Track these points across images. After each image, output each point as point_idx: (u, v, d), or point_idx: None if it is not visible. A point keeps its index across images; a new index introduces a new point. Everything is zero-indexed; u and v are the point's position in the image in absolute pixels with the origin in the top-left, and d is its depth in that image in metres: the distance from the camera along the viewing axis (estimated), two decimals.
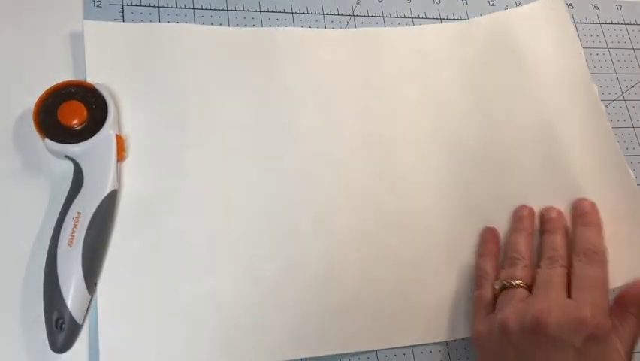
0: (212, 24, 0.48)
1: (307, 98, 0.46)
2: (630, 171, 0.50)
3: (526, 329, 0.35)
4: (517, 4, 0.55)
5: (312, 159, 0.44)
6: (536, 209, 0.46)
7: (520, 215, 0.45)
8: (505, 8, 0.55)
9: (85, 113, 0.40)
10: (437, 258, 0.44)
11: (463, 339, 0.43)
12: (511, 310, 0.37)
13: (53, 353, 0.36)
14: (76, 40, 0.45)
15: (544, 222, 0.45)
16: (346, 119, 0.46)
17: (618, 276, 0.42)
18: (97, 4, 0.46)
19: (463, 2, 0.54)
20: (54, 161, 0.41)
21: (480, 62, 0.50)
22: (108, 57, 0.43)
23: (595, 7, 0.57)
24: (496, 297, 0.40)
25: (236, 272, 0.40)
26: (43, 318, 0.37)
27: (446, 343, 0.43)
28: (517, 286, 0.38)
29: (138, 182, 0.41)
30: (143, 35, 0.45)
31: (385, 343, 0.41)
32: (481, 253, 0.43)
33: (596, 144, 0.50)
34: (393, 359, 0.42)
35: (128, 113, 0.42)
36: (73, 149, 0.40)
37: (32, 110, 0.40)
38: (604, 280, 0.38)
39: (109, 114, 0.41)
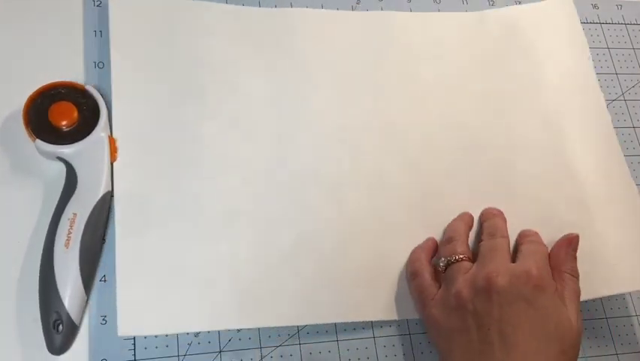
0: None
1: (323, 76, 0.47)
2: (629, 172, 0.49)
3: (480, 292, 0.37)
4: (517, 4, 0.55)
5: (326, 134, 0.45)
6: (535, 201, 0.47)
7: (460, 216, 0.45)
8: None
9: (75, 114, 0.40)
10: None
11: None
12: (462, 280, 0.39)
13: (51, 355, 0.36)
14: (76, 40, 0.45)
15: (483, 215, 0.45)
16: (360, 99, 0.47)
17: (621, 282, 0.44)
18: (97, 4, 0.46)
19: (463, 2, 0.54)
20: (44, 162, 0.41)
21: (491, 54, 0.51)
22: (131, 29, 0.44)
23: (595, 7, 0.57)
24: (436, 281, 0.41)
25: (251, 240, 0.41)
26: (40, 320, 0.36)
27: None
28: (461, 260, 0.40)
29: (158, 150, 0.42)
30: (166, 10, 0.46)
31: (396, 314, 0.42)
32: (416, 247, 0.44)
33: (599, 153, 0.50)
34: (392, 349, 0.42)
35: (148, 84, 0.43)
36: (66, 150, 0.40)
37: (22, 111, 0.40)
38: (544, 253, 0.41)
39: (101, 117, 0.41)
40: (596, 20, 0.56)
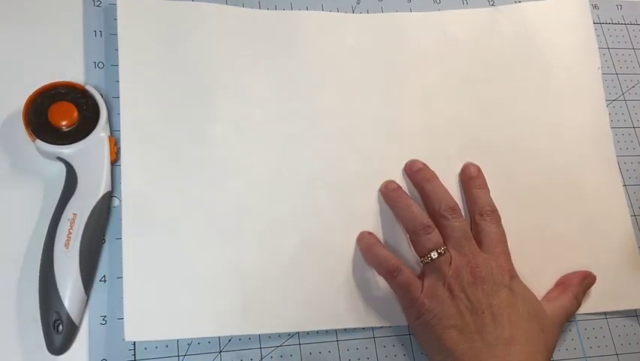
0: None
1: (330, 80, 0.47)
2: (624, 196, 0.50)
3: (469, 284, 0.40)
4: (517, 4, 0.55)
5: (333, 138, 0.45)
6: (536, 212, 0.47)
7: (392, 187, 0.45)
8: None
9: (75, 114, 0.40)
10: None
11: None
12: (449, 276, 0.41)
13: (51, 355, 0.36)
14: (76, 40, 0.45)
15: (415, 173, 0.45)
16: (367, 101, 0.47)
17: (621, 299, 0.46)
18: (97, 4, 0.46)
19: (463, 2, 0.54)
20: (44, 162, 0.41)
21: (502, 57, 0.51)
22: (139, 32, 0.44)
23: (595, 7, 0.57)
24: (418, 275, 0.42)
25: (257, 244, 0.42)
26: (40, 320, 0.37)
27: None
28: (444, 253, 0.41)
29: (164, 152, 0.42)
30: (173, 12, 0.46)
31: (403, 320, 0.43)
32: (370, 243, 0.43)
33: (597, 170, 0.50)
34: (392, 348, 0.42)
35: (155, 86, 0.43)
36: (66, 150, 0.40)
37: (22, 111, 0.40)
38: (504, 234, 0.44)
39: (101, 117, 0.41)
40: (596, 20, 0.56)
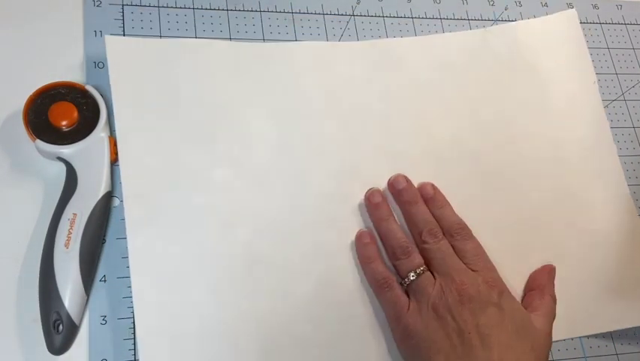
0: (212, 24, 0.48)
1: (328, 112, 0.46)
2: (632, 201, 0.50)
3: (455, 304, 0.39)
4: (517, 4, 0.55)
5: (336, 173, 0.44)
6: (544, 231, 0.46)
7: (374, 202, 0.44)
8: (506, 8, 0.55)
9: (75, 114, 0.40)
10: None
11: None
12: (434, 293, 0.40)
13: (51, 355, 0.36)
14: (76, 40, 0.45)
15: (399, 193, 0.44)
16: (368, 133, 0.46)
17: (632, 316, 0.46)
18: (97, 4, 0.46)
19: (463, 2, 0.54)
20: (44, 162, 0.41)
21: (496, 76, 0.50)
22: (131, 73, 0.43)
23: (595, 7, 0.57)
24: (406, 292, 0.42)
25: (270, 292, 0.41)
26: (40, 320, 0.37)
27: None
28: (423, 272, 0.41)
29: (166, 202, 0.41)
30: (164, 51, 0.44)
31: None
32: (366, 257, 0.43)
33: (603, 176, 0.50)
34: None
35: (153, 131, 0.42)
36: (66, 150, 0.40)
37: (22, 111, 0.40)
38: (480, 246, 0.43)
39: (101, 117, 0.41)
40: (596, 20, 0.56)
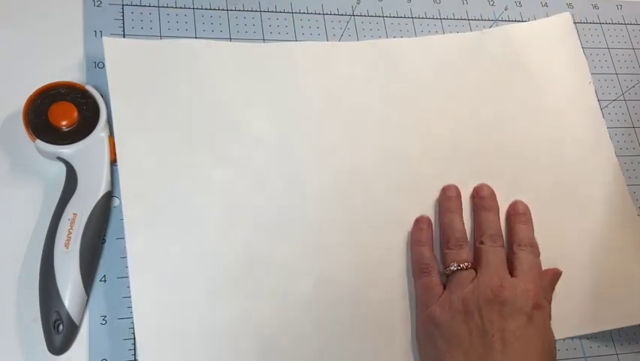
0: (212, 24, 0.48)
1: (328, 113, 0.46)
2: (632, 201, 0.50)
3: (487, 302, 0.39)
4: (517, 4, 0.55)
5: (336, 173, 0.44)
6: (545, 230, 0.46)
7: (448, 195, 0.45)
8: (506, 9, 0.55)
9: (75, 114, 0.40)
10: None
11: None
12: (468, 290, 0.40)
13: (51, 355, 0.36)
14: (76, 40, 0.45)
15: (478, 199, 0.45)
16: (367, 133, 0.46)
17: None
18: (97, 4, 0.46)
19: (463, 2, 0.54)
20: (44, 162, 0.41)
21: (493, 76, 0.50)
22: (129, 75, 0.43)
23: (595, 7, 0.57)
24: (444, 284, 0.42)
25: (270, 291, 0.41)
26: (40, 320, 0.37)
27: None
28: (466, 268, 0.41)
29: (166, 203, 0.41)
30: (163, 53, 0.44)
31: (417, 358, 0.42)
32: (418, 240, 0.43)
33: (601, 175, 0.50)
34: None
35: (153, 133, 0.42)
36: (66, 150, 0.40)
37: (22, 111, 0.40)
38: (540, 266, 0.43)
39: (101, 117, 0.41)
40: (596, 20, 0.56)
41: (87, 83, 0.43)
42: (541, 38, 0.53)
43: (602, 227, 0.48)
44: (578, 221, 0.48)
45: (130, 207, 0.40)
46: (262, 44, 0.47)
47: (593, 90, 0.52)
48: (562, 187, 0.48)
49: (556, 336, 0.42)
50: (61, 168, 0.40)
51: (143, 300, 0.38)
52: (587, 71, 0.53)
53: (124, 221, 0.40)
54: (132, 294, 0.38)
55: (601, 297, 0.46)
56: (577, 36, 0.54)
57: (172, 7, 0.48)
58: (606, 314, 0.46)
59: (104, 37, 0.43)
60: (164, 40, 0.45)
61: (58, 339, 0.36)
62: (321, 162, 0.44)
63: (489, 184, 0.46)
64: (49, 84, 0.41)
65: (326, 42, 0.49)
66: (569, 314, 0.45)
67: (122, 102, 0.42)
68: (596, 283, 0.46)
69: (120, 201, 0.41)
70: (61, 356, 0.37)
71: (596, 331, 0.45)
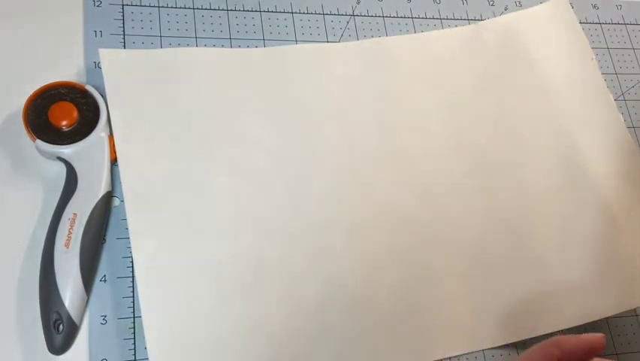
0: (212, 24, 0.48)
1: (327, 114, 0.46)
2: None
3: None
4: (517, 4, 0.55)
5: (336, 175, 0.44)
6: (557, 216, 0.46)
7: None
8: (505, 9, 0.55)
9: (75, 114, 0.40)
10: (467, 267, 0.44)
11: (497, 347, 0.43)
12: None
13: (51, 355, 0.36)
14: (76, 40, 0.45)
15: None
16: (367, 134, 0.46)
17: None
18: (97, 4, 0.46)
19: (463, 2, 0.54)
20: (44, 162, 0.41)
21: (491, 67, 0.50)
22: (127, 85, 0.43)
23: (595, 7, 0.57)
24: None
25: (278, 297, 0.40)
26: (40, 320, 0.36)
27: (482, 351, 0.43)
28: None
29: (170, 211, 0.40)
30: (160, 62, 0.44)
31: (426, 357, 0.41)
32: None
33: (614, 151, 0.49)
34: None
35: (153, 142, 0.42)
36: (66, 150, 0.40)
37: (22, 111, 0.40)
38: None
39: (101, 117, 0.41)
40: (596, 20, 0.56)
41: (87, 83, 0.43)
42: (538, 21, 0.52)
43: (613, 205, 0.47)
44: (588, 202, 0.47)
45: (135, 217, 0.40)
46: (258, 49, 0.47)
47: (597, 65, 0.52)
48: (569, 169, 0.48)
49: (569, 325, 0.42)
50: (62, 168, 0.40)
51: (153, 309, 0.38)
52: (589, 47, 0.53)
53: (129, 230, 0.39)
54: (142, 305, 0.38)
55: (608, 281, 0.45)
56: (574, 15, 0.54)
57: (172, 7, 0.48)
58: (605, 301, 0.45)
59: (100, 49, 0.43)
60: (161, 50, 0.45)
61: (58, 339, 0.36)
62: (320, 164, 0.44)
63: (492, 176, 0.46)
64: (49, 84, 0.41)
65: (320, 44, 0.49)
66: (576, 301, 0.44)
67: (121, 113, 0.42)
68: (607, 266, 0.46)
69: (120, 201, 0.41)
70: (61, 356, 0.37)
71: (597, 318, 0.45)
